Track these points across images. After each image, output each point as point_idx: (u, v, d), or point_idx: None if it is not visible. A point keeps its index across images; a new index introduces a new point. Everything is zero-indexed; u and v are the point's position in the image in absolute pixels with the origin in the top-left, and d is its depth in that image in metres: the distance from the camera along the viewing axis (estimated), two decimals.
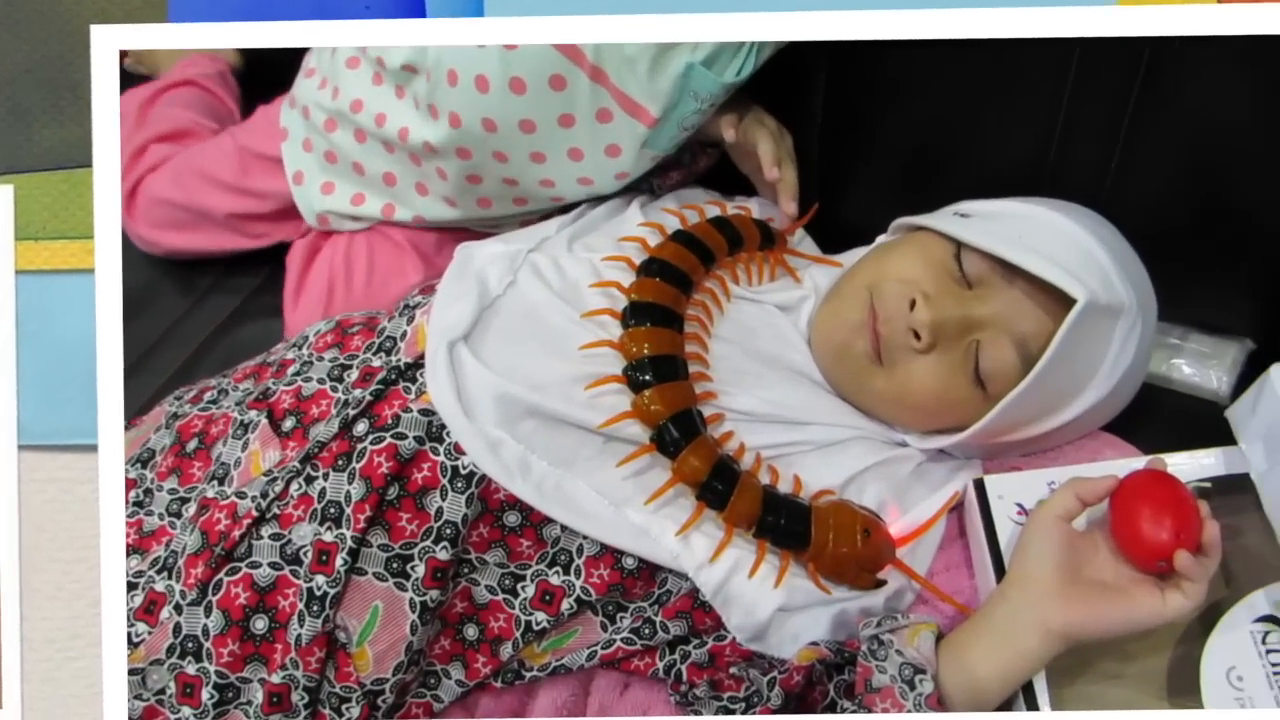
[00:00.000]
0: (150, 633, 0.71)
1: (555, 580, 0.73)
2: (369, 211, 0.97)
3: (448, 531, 0.70)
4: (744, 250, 0.85)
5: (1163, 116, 0.82)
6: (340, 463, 0.72)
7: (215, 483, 0.75)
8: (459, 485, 0.71)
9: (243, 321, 1.04)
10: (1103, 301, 0.72)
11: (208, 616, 0.70)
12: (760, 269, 0.87)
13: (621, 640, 0.74)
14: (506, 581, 0.73)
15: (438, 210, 0.94)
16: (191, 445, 0.80)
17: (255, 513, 0.71)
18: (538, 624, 0.73)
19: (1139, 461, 0.76)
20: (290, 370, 0.82)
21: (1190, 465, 0.76)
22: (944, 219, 0.80)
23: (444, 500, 0.71)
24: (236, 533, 0.71)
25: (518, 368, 0.74)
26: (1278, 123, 0.79)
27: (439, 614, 0.73)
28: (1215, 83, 0.79)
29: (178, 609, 0.71)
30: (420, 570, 0.70)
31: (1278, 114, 0.78)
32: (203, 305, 1.04)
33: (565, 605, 0.73)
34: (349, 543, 0.69)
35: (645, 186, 0.92)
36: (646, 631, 0.74)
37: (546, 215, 0.91)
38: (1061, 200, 0.81)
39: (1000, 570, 0.74)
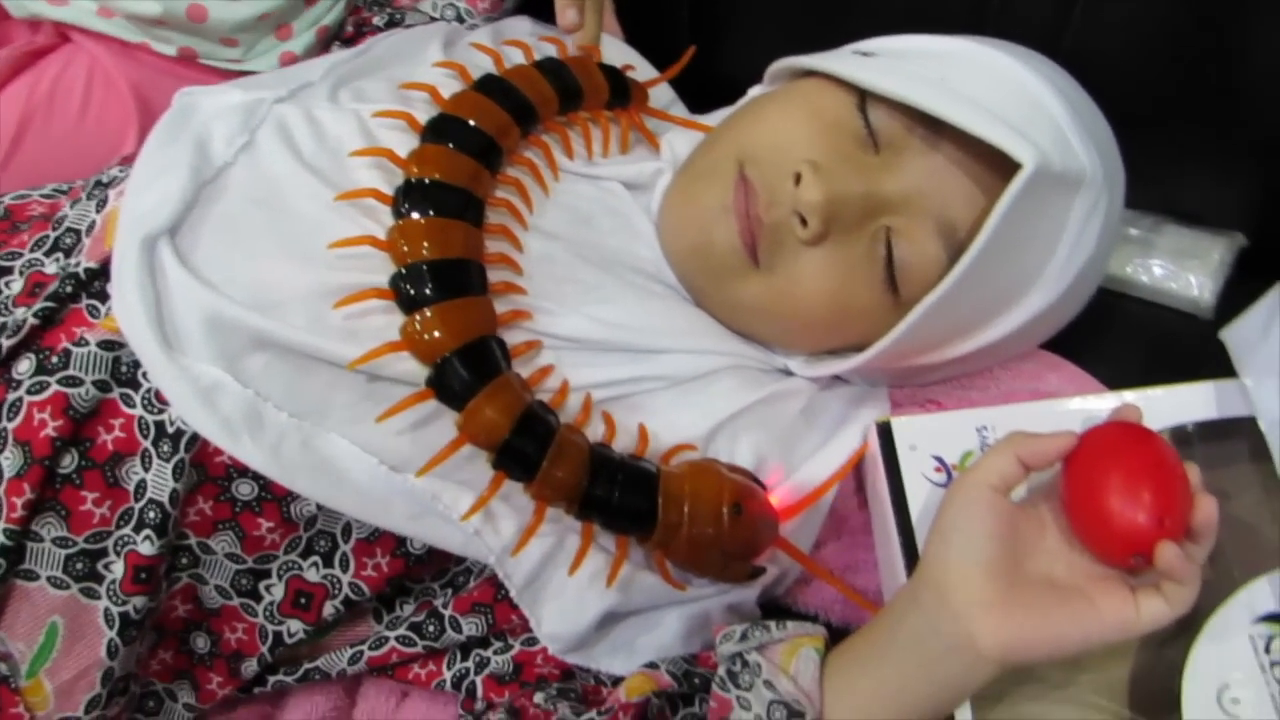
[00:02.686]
0: None
1: (313, 576, 0.60)
2: None
3: (153, 515, 0.56)
4: (583, 107, 0.69)
5: None
6: None
7: None
8: (165, 449, 0.57)
9: None
10: (1057, 168, 0.57)
11: None
12: (606, 134, 0.70)
13: (397, 640, 0.62)
14: (244, 581, 0.61)
15: None
16: None
17: None
18: (291, 634, 0.61)
19: (1102, 401, 0.61)
20: None
21: (1168, 404, 0.61)
22: (841, 59, 0.64)
23: (147, 471, 0.57)
24: None
25: (242, 276, 0.58)
26: None
27: (154, 622, 0.60)
28: None
29: None
30: (118, 570, 0.57)
31: None
32: None
33: (328, 610, 0.61)
34: (2, 538, 0.56)
35: (451, 14, 0.80)
36: (431, 629, 0.62)
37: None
38: (1001, 39, 0.66)
39: (910, 552, 0.60)
